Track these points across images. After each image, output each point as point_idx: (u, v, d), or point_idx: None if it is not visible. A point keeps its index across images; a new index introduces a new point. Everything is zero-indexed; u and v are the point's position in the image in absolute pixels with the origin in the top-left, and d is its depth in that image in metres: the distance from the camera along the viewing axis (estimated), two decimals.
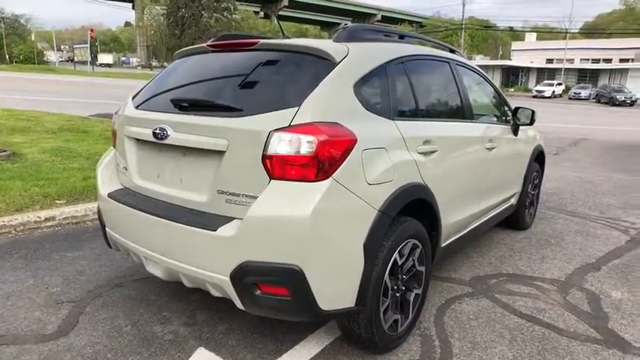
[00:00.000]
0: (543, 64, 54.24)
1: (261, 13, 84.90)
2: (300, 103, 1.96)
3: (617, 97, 35.36)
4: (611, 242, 4.36)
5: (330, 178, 1.90)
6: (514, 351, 2.49)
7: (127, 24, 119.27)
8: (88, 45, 42.31)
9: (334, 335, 2.54)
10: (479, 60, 63.28)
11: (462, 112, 3.12)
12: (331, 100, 2.03)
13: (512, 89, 51.52)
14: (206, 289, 2.14)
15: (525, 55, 56.08)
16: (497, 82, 54.54)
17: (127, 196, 2.43)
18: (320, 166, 1.88)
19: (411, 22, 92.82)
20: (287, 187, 1.90)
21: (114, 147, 2.72)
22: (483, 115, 3.54)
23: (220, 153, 2.03)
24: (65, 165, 6.09)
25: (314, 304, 1.92)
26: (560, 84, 44.51)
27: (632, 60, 48.42)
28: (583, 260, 3.87)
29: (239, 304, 2.03)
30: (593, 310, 3.00)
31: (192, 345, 2.43)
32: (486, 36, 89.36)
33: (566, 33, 55.95)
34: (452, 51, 3.40)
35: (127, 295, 2.96)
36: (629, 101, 35.09)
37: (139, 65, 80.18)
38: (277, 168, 1.90)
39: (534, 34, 62.99)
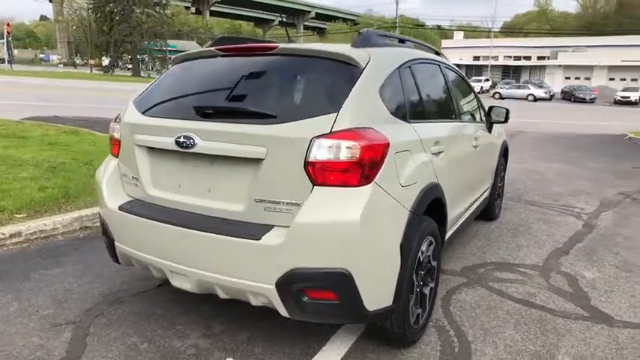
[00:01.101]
0: (471, 62, 57.32)
1: (193, 9, 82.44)
2: (335, 109, 1.99)
3: (536, 92, 38.28)
4: (571, 228, 4.78)
5: (373, 182, 1.95)
6: (521, 333, 2.69)
7: (44, 18, 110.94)
8: (5, 41, 38.69)
9: (356, 334, 2.60)
10: None
11: (454, 112, 3.28)
12: (364, 106, 2.08)
13: None
14: (245, 298, 2.12)
15: (454, 52, 58.84)
16: None
17: (142, 208, 2.33)
18: (363, 170, 1.93)
19: (344, 20, 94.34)
20: (332, 192, 1.93)
21: (114, 156, 2.58)
22: (466, 114, 3.74)
23: (257, 161, 2.01)
24: (14, 175, 5.62)
25: (361, 306, 1.97)
26: (487, 80, 47.26)
27: (548, 57, 52.48)
28: (552, 246, 4.21)
29: (283, 312, 2.03)
30: (575, 291, 3.29)
31: (218, 357, 2.39)
32: (417, 34, 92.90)
33: (489, 32, 59.64)
34: (437, 53, 3.56)
35: (131, 311, 2.83)
36: (548, 96, 38.06)
37: (60, 63, 74.89)
38: (321, 174, 1.93)
39: (462, 33, 66.29)
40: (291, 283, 1.93)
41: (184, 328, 2.65)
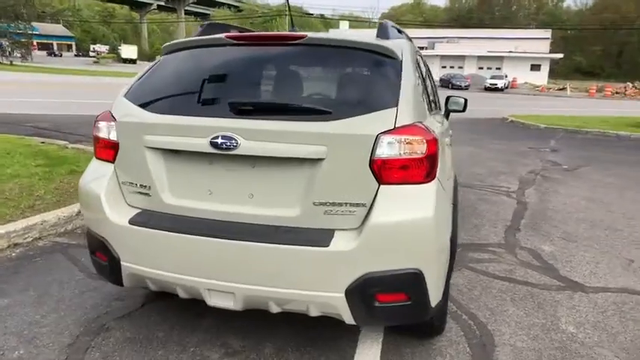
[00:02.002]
0: None
1: None
2: (393, 103, 1.90)
3: None
4: (509, 206, 5.24)
5: (436, 177, 1.91)
6: (521, 309, 2.88)
7: None
8: None
9: (379, 331, 2.55)
10: None
11: (438, 103, 3.36)
12: (413, 100, 2.02)
13: None
14: (303, 310, 1.95)
15: None
16: None
17: (161, 221, 2.01)
18: (428, 166, 1.88)
19: (229, 6, 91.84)
20: (401, 190, 1.85)
21: (106, 161, 2.19)
22: (438, 103, 3.86)
23: (316, 161, 1.85)
24: None
25: (428, 303, 1.94)
26: None
27: (426, 48, 56.72)
28: (503, 224, 4.58)
29: (348, 320, 1.91)
30: (542, 264, 3.62)
31: None
32: (303, 23, 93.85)
33: (369, 22, 62.47)
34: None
35: (126, 339, 2.46)
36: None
37: None
38: (388, 172, 1.84)
39: (347, 23, 68.50)
40: (363, 290, 1.82)
41: (199, 349, 2.38)
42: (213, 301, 2.00)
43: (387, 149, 1.83)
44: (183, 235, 1.93)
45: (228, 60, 2.23)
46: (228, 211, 1.97)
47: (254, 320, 2.59)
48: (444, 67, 54.03)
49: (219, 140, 1.88)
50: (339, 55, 2.13)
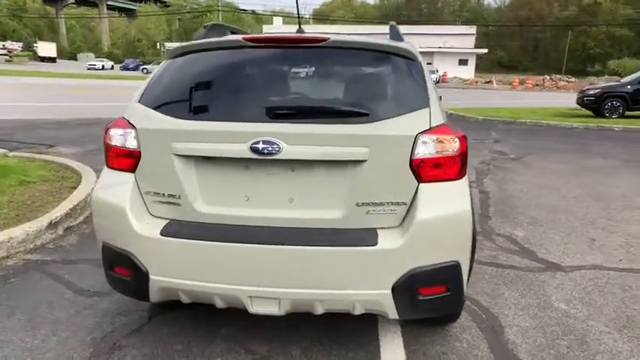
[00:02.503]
0: None
1: None
2: (424, 104, 1.99)
3: None
4: (474, 195, 5.46)
5: (466, 173, 2.02)
6: (514, 291, 3.09)
7: None
8: None
9: (394, 323, 2.64)
10: None
11: None
12: (438, 99, 2.10)
13: None
14: (347, 310, 1.98)
15: None
16: None
17: (196, 230, 1.96)
18: (461, 163, 1.98)
19: (156, 1, 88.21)
20: (439, 188, 1.94)
21: (123, 170, 2.09)
22: None
23: (358, 162, 1.89)
24: None
25: (463, 292, 2.04)
26: None
27: None
28: (475, 211, 4.84)
29: (393, 315, 1.97)
30: (520, 248, 3.89)
31: None
32: (235, 18, 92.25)
33: (300, 18, 62.66)
34: None
35: (143, 355, 2.36)
36: None
37: None
38: (427, 171, 1.92)
39: (281, 19, 68.26)
40: (408, 285, 1.89)
41: (225, 358, 2.34)
42: (256, 308, 1.98)
43: (425, 148, 1.91)
44: (222, 243, 1.89)
45: (251, 63, 2.20)
46: (267, 217, 1.96)
47: (273, 324, 2.58)
48: None
49: (260, 145, 1.86)
50: (362, 57, 2.16)
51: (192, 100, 2.08)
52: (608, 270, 3.47)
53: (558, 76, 47.30)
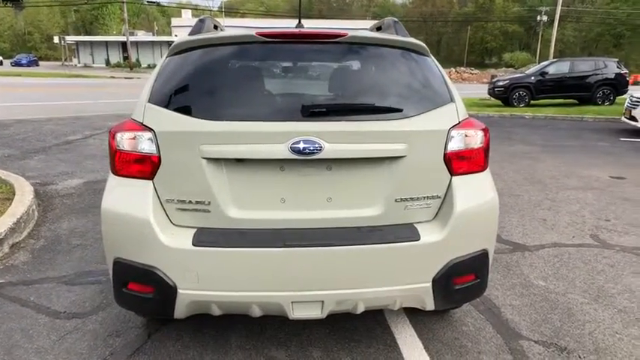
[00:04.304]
0: None
1: None
2: (448, 99, 2.03)
3: None
4: None
5: (488, 164, 2.10)
6: (496, 273, 3.30)
7: None
8: None
9: (401, 314, 2.69)
10: (142, 36, 61.53)
11: None
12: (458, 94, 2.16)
13: None
14: (388, 306, 1.99)
15: (185, 31, 58.00)
16: None
17: (230, 237, 1.83)
18: (485, 155, 2.06)
19: None
20: (470, 179, 2.01)
21: (144, 178, 1.90)
22: None
23: (396, 159, 1.89)
24: None
25: (488, 279, 2.13)
26: None
27: None
28: None
29: (430, 306, 2.00)
30: None
31: None
32: (138, 10, 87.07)
33: (210, 11, 61.16)
34: None
35: None
36: None
37: None
38: (459, 164, 1.98)
39: (189, 11, 65.54)
40: (447, 276, 1.94)
41: None
42: (298, 313, 1.91)
43: (457, 142, 1.97)
44: (261, 249, 1.80)
45: (272, 59, 2.10)
46: (305, 218, 1.89)
47: (284, 328, 2.52)
48: None
49: (301, 145, 1.79)
50: (382, 52, 2.15)
51: (218, 99, 1.94)
52: (566, 247, 3.83)
53: (462, 68, 50.74)
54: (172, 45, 2.14)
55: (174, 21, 63.62)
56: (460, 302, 2.23)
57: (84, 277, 3.17)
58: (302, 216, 1.90)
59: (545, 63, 17.09)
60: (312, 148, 1.80)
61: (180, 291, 1.86)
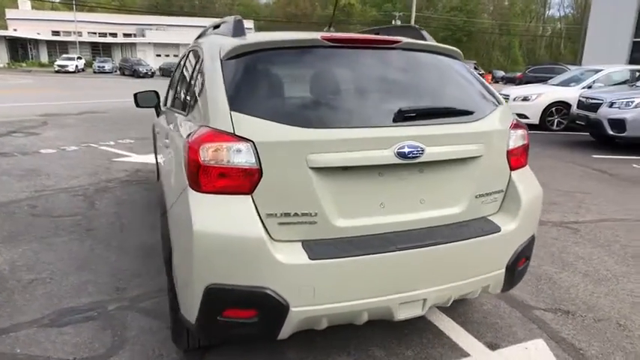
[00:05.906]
0: (50, 37, 51.38)
1: None
2: (497, 100, 2.26)
3: (140, 69, 38.90)
4: None
5: None
6: None
7: None
8: None
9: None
10: None
11: None
12: None
13: (25, 64, 46.47)
14: (470, 295, 2.14)
15: (27, 25, 50.94)
16: (5, 57, 47.09)
17: (341, 248, 1.80)
18: (527, 151, 2.32)
19: None
20: (522, 173, 2.26)
21: (241, 193, 1.74)
22: None
23: (475, 158, 2.05)
24: None
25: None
26: (80, 58, 43.92)
27: (135, 35, 53.68)
28: None
29: (498, 290, 2.21)
30: None
31: None
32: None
33: (52, 2, 54.97)
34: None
35: None
36: (150, 73, 39.36)
37: None
38: (515, 159, 2.22)
39: (28, 2, 57.51)
40: (515, 261, 2.16)
41: None
42: (403, 314, 1.94)
43: (514, 140, 2.21)
44: (371, 255, 1.80)
45: (345, 64, 2.07)
46: (401, 221, 1.94)
47: (330, 334, 2.51)
48: (159, 55, 52.43)
49: (406, 150, 1.84)
50: (433, 58, 2.26)
51: (317, 106, 1.87)
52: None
53: None
54: (228, 47, 1.96)
55: (9, 13, 55.07)
56: (516, 283, 2.47)
57: (68, 315, 2.72)
58: (399, 219, 1.95)
59: None
60: (415, 152, 1.86)
61: (292, 309, 1.76)
